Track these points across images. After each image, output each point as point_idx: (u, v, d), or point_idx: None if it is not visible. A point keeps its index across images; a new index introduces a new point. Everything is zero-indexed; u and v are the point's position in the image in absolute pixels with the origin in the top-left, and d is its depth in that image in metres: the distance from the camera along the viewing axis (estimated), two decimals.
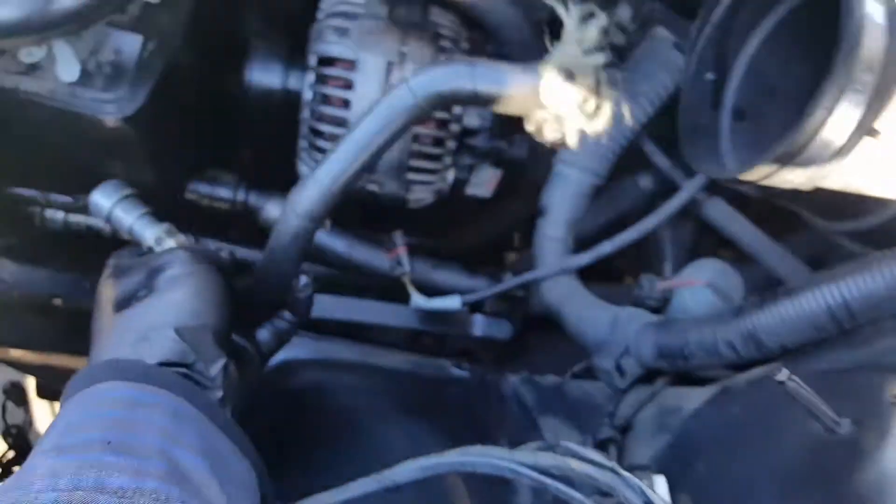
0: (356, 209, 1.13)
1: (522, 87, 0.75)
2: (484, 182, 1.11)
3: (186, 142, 0.97)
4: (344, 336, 1.07)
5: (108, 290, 0.64)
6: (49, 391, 1.57)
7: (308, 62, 0.99)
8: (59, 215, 1.05)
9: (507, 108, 0.76)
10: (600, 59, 0.75)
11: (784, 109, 0.71)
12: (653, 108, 0.96)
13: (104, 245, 0.96)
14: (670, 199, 0.92)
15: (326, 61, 0.98)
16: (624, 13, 0.99)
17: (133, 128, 0.81)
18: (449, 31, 1.02)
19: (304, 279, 0.78)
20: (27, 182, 1.02)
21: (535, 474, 0.54)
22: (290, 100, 1.04)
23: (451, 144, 1.03)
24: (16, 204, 1.05)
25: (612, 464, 0.53)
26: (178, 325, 0.58)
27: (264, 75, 1.03)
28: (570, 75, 0.74)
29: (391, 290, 1.13)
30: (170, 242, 0.74)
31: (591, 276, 1.01)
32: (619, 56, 1.00)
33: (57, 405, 1.70)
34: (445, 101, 0.77)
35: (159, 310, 0.60)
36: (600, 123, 0.74)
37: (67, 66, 0.76)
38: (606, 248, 0.92)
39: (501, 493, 0.85)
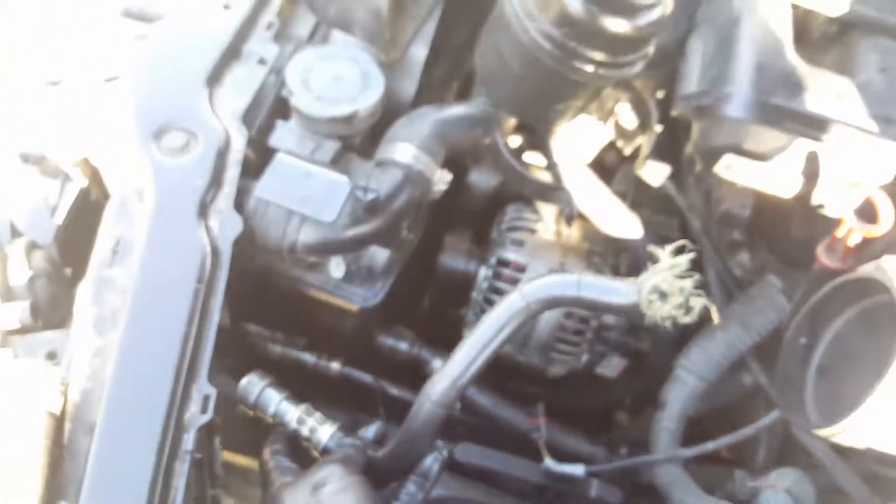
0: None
1: (621, 300, 0.96)
2: (612, 366, 1.37)
3: (398, 311, 1.29)
4: (477, 477, 1.32)
5: None
6: None
7: (489, 259, 1.30)
8: (278, 348, 1.37)
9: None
10: (688, 283, 0.94)
11: (861, 374, 0.93)
12: (759, 336, 1.19)
13: (304, 375, 1.28)
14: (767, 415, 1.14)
15: (503, 262, 1.29)
16: (743, 258, 1.26)
17: (370, 313, 1.13)
18: (600, 252, 1.31)
19: (430, 459, 0.95)
20: (261, 322, 1.35)
21: None
22: (467, 278, 1.35)
23: (588, 335, 1.31)
24: (245, 336, 1.38)
25: None
26: None
27: (452, 261, 1.35)
28: (662, 295, 0.94)
29: (518, 441, 1.39)
30: (310, 422, 1.02)
31: None
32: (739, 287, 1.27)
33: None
34: (552, 306, 0.97)
35: None
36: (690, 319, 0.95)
37: (337, 267, 1.09)
38: (710, 446, 1.15)
39: None
